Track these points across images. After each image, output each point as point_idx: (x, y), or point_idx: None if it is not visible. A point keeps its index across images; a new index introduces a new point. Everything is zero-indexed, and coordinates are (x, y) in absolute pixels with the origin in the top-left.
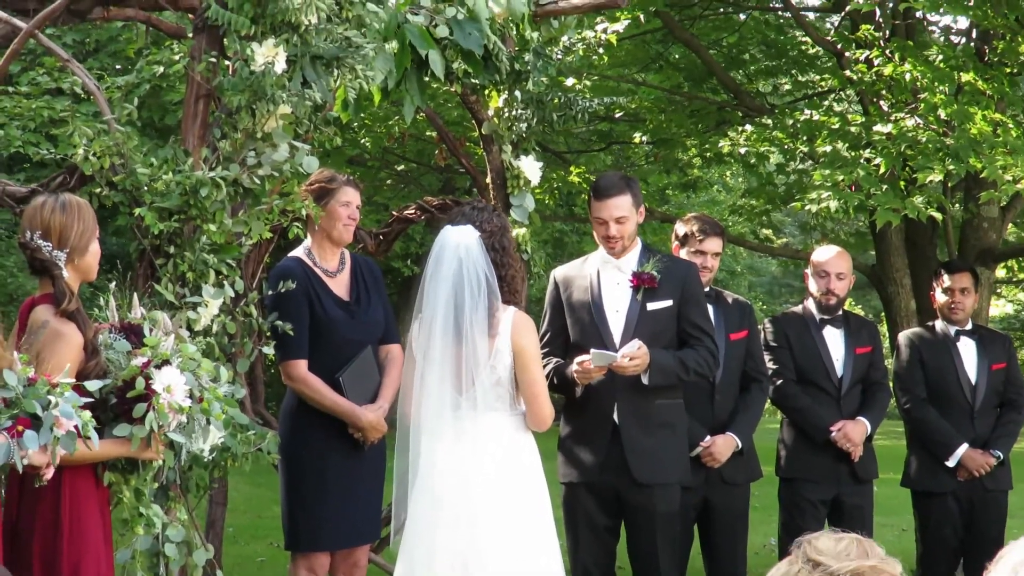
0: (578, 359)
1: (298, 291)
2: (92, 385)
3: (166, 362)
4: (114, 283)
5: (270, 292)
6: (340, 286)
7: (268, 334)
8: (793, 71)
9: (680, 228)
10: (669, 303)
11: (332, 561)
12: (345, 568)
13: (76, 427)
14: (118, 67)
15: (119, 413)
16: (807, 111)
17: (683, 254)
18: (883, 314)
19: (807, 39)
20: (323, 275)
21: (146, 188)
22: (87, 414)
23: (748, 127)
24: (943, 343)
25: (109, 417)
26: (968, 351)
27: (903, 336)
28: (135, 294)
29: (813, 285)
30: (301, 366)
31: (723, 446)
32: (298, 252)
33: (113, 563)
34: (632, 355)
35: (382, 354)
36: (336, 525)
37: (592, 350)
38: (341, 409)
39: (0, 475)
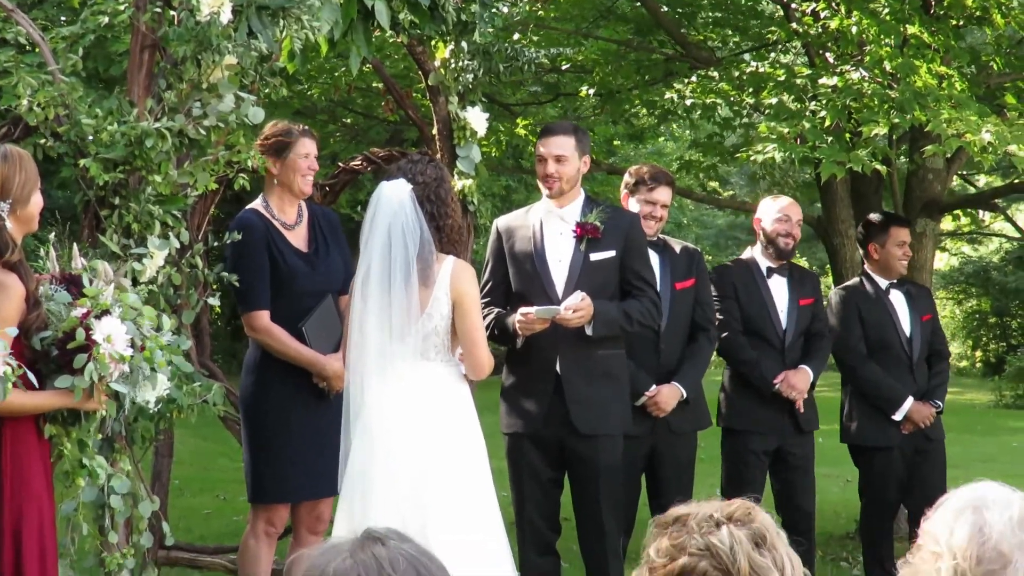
0: (521, 310)
1: (258, 243)
2: (12, 331)
3: (106, 312)
4: (54, 234)
5: (223, 243)
6: (299, 238)
7: (215, 286)
8: (740, 23)
9: (630, 177)
10: (612, 253)
11: (296, 514)
12: (309, 521)
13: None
14: (63, 18)
15: (60, 364)
16: (753, 63)
17: (632, 203)
18: (828, 266)
19: None
20: (281, 227)
21: (91, 139)
22: (8, 369)
23: (694, 79)
24: (878, 297)
25: (51, 368)
26: (900, 304)
27: (836, 293)
28: (76, 245)
29: (772, 230)
30: (264, 316)
31: (668, 395)
32: (256, 204)
33: (55, 514)
34: (576, 307)
35: (342, 304)
36: (301, 476)
37: (535, 306)
38: (305, 358)
39: None
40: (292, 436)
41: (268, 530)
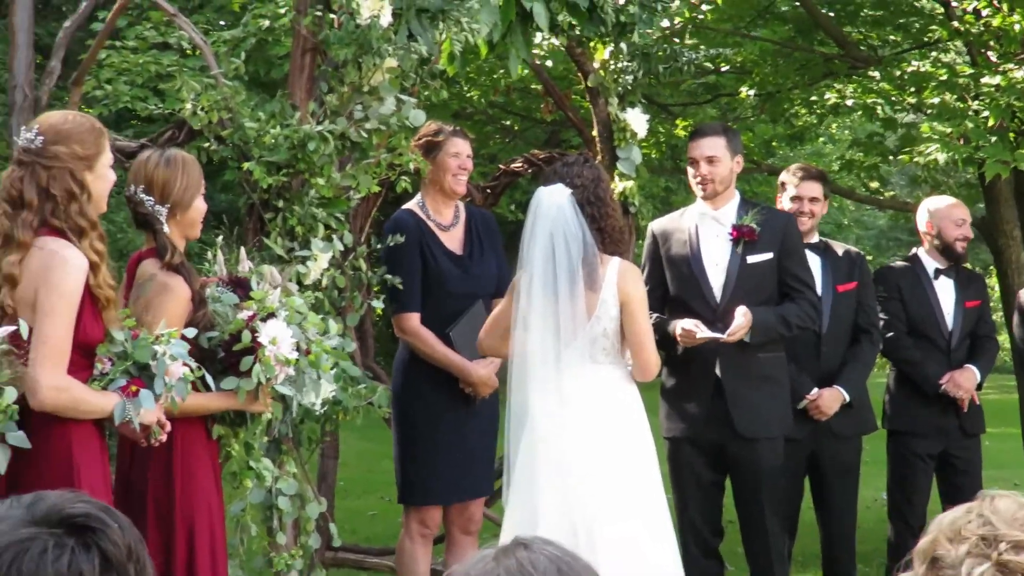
0: (682, 324)
1: (411, 244)
2: (190, 332)
3: (272, 315)
4: (221, 237)
5: (380, 245)
6: (453, 240)
7: (377, 288)
8: (901, 21)
9: (781, 177)
10: (769, 255)
11: (447, 515)
12: (460, 522)
13: (185, 372)
14: (223, 22)
15: (226, 366)
16: (914, 62)
17: (783, 201)
18: (992, 267)
19: None
20: (436, 228)
21: (254, 142)
22: (187, 370)
23: (855, 78)
24: None
25: (217, 370)
26: None
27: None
28: (242, 248)
29: (951, 236)
30: (414, 319)
31: (829, 399)
32: (411, 205)
33: (224, 515)
34: (736, 329)
35: (495, 307)
36: (449, 479)
37: (698, 323)
38: (452, 363)
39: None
40: (440, 438)
41: (422, 531)
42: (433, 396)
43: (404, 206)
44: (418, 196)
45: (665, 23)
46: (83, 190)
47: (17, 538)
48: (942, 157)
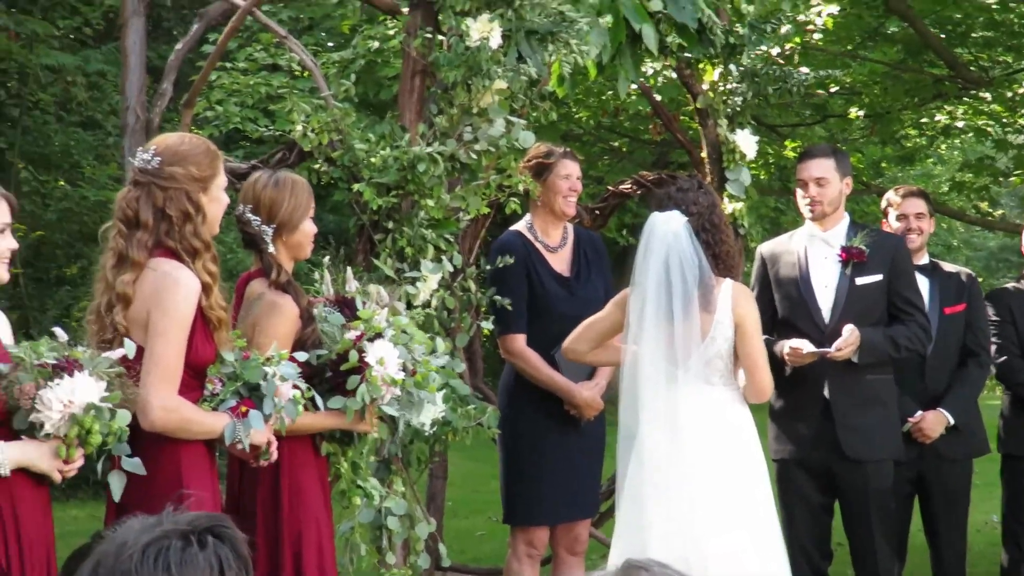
0: (791, 343)
1: (518, 265)
2: (302, 356)
3: (379, 335)
4: (328, 257)
5: (488, 267)
6: (561, 261)
7: (485, 309)
8: (1013, 42)
9: (884, 200)
10: (879, 277)
11: (553, 535)
12: (566, 542)
13: (295, 394)
14: (331, 44)
15: (333, 386)
16: None
17: (890, 223)
18: None
19: None
20: (544, 250)
21: (364, 164)
22: (297, 392)
23: (965, 100)
24: None
25: (325, 388)
26: None
27: None
28: (349, 268)
29: None
30: (519, 340)
31: (933, 422)
32: (519, 226)
33: (333, 533)
34: (843, 345)
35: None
36: (555, 499)
37: (805, 342)
38: (557, 385)
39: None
40: (545, 459)
41: (530, 552)
42: (539, 417)
43: (512, 227)
44: (527, 217)
45: (776, 50)
46: (198, 211)
47: (156, 536)
48: None
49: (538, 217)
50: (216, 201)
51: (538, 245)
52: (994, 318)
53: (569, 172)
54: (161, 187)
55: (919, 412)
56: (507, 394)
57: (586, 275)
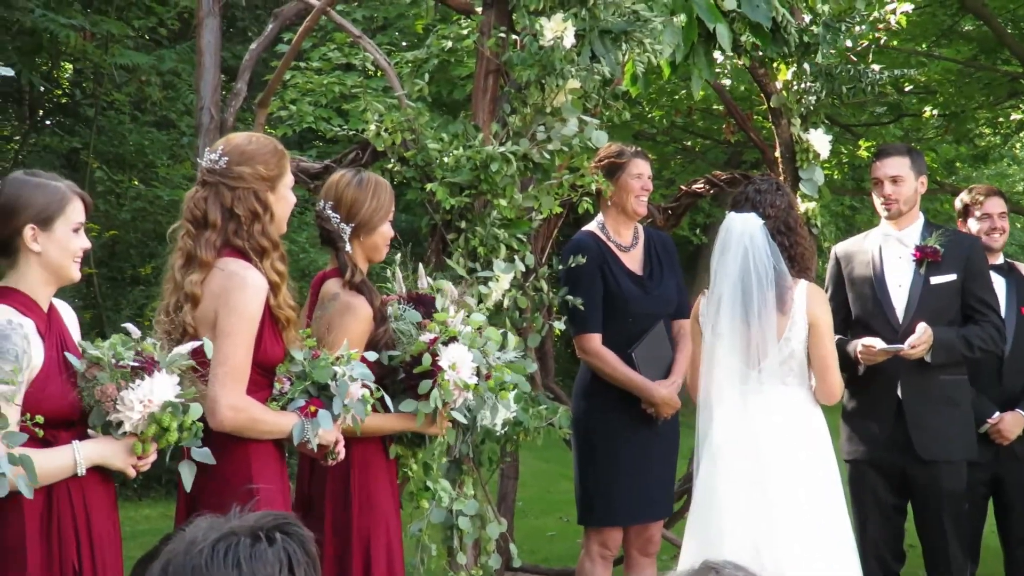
0: (863, 341)
1: (592, 265)
2: (371, 356)
3: (454, 339)
4: (399, 255)
5: (560, 266)
6: (634, 261)
7: (557, 309)
8: None
9: (959, 201)
10: (953, 277)
11: (626, 536)
12: (639, 543)
13: (364, 394)
14: (404, 43)
15: (405, 388)
16: None
17: (971, 223)
18: None
19: None
20: (617, 249)
21: (437, 163)
22: (366, 391)
23: None
24: None
25: (398, 389)
26: None
27: None
28: (420, 265)
29: None
30: (595, 339)
31: (1011, 423)
32: (592, 226)
33: (402, 534)
34: (917, 342)
35: (675, 328)
36: (629, 500)
37: (877, 339)
38: (634, 384)
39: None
40: (620, 460)
41: (603, 552)
42: (614, 417)
43: (584, 227)
44: (598, 217)
45: (849, 44)
46: (266, 210)
47: (225, 533)
48: None
49: (609, 217)
50: (284, 200)
51: (611, 245)
52: None
53: (641, 171)
54: (229, 187)
55: (997, 413)
56: (583, 394)
57: (659, 274)
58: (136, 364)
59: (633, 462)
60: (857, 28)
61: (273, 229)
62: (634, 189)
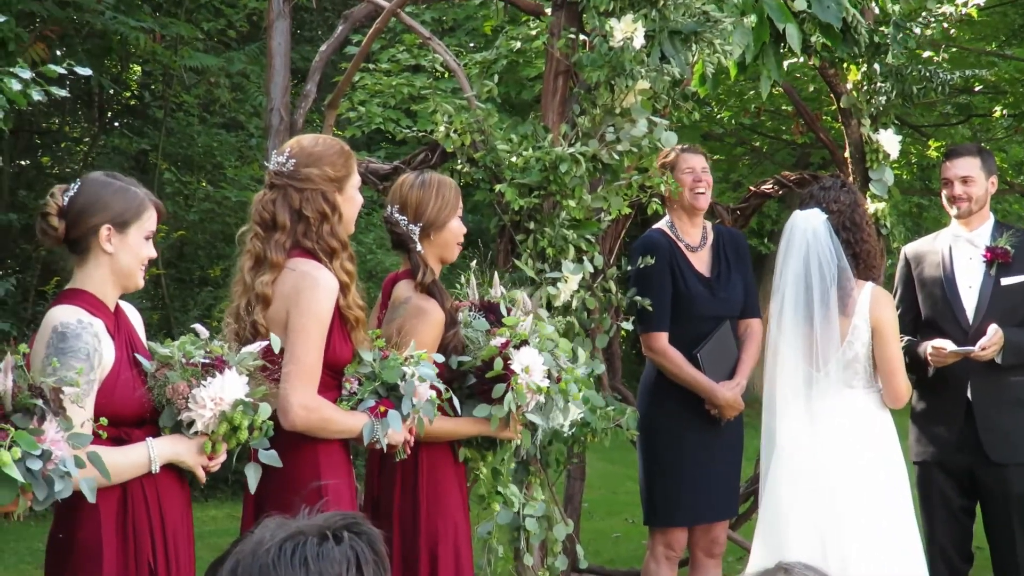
0: (933, 343)
1: (661, 264)
2: (440, 358)
3: (524, 342)
4: (475, 261)
5: (630, 267)
6: (701, 261)
7: (624, 309)
8: None
9: None
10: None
11: (691, 537)
12: (704, 544)
13: (432, 395)
14: (472, 44)
15: (477, 392)
16: None
17: None
18: None
19: None
20: (685, 249)
21: (506, 164)
22: (434, 393)
23: None
24: None
25: (465, 394)
26: None
27: None
28: (495, 273)
29: None
30: (662, 338)
31: None
32: (661, 224)
33: (470, 535)
34: (987, 344)
35: (741, 328)
36: (694, 501)
37: (949, 342)
38: (699, 384)
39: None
40: (685, 459)
41: (668, 553)
42: (679, 417)
43: (654, 226)
44: (667, 217)
45: (916, 45)
46: (334, 211)
47: (292, 532)
48: None
49: (676, 216)
50: (351, 201)
51: (680, 245)
52: None
53: (691, 165)
54: (297, 188)
55: None
56: (648, 393)
57: (726, 276)
58: (207, 362)
59: (698, 462)
60: (928, 31)
61: (341, 230)
62: (687, 183)
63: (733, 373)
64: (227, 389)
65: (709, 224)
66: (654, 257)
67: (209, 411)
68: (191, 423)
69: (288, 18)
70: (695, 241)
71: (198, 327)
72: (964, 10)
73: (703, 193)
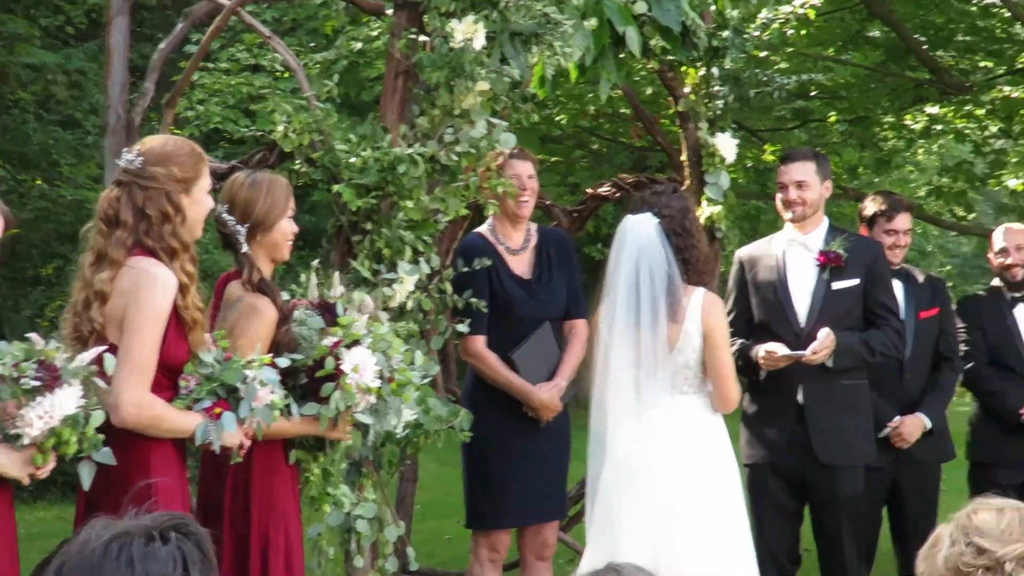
0: (765, 347)
1: (480, 268)
2: (283, 362)
3: (357, 342)
4: (317, 260)
5: (453, 269)
6: (521, 264)
7: (459, 312)
8: (993, 48)
9: (868, 207)
10: (855, 282)
11: (520, 540)
12: (534, 547)
13: (273, 399)
14: (312, 44)
15: (307, 391)
16: (1006, 89)
17: (876, 233)
18: None
19: (1008, 14)
20: (505, 252)
21: (344, 165)
22: (275, 397)
23: (947, 105)
24: None
25: (298, 395)
26: None
27: None
28: (337, 272)
29: (996, 264)
30: (479, 342)
31: (912, 426)
32: (482, 228)
33: (302, 537)
34: (819, 348)
35: (566, 329)
36: (516, 503)
37: (780, 345)
38: (514, 386)
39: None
40: (506, 462)
41: (491, 556)
42: (498, 420)
43: (475, 230)
44: (489, 220)
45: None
46: (178, 212)
47: (119, 532)
48: (1012, 183)
49: (498, 220)
50: (198, 203)
51: (500, 248)
52: (962, 325)
53: (518, 172)
54: (142, 187)
55: (897, 417)
56: (469, 397)
57: (547, 277)
58: (38, 383)
59: (519, 464)
60: (766, 35)
61: (184, 231)
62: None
63: (552, 375)
64: (57, 407)
65: (534, 226)
66: (490, 261)
67: (37, 429)
68: (19, 436)
69: (128, 15)
70: (516, 244)
71: (33, 337)
72: (802, 10)
73: (527, 201)
